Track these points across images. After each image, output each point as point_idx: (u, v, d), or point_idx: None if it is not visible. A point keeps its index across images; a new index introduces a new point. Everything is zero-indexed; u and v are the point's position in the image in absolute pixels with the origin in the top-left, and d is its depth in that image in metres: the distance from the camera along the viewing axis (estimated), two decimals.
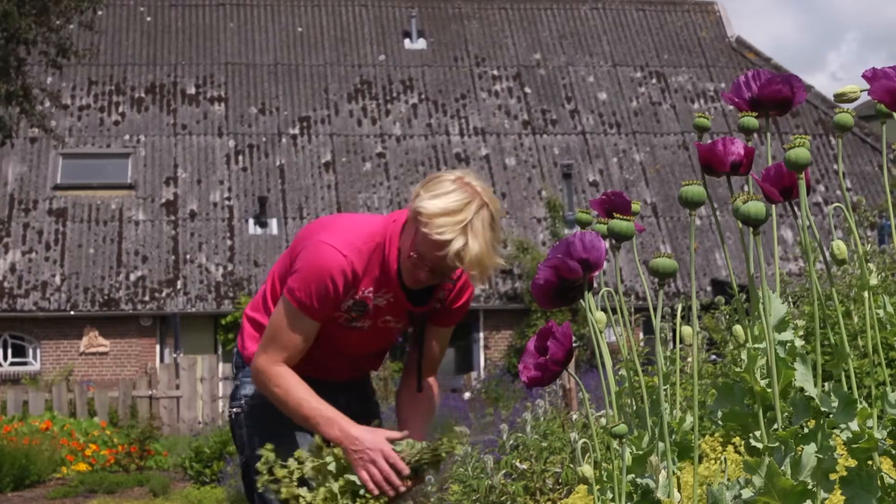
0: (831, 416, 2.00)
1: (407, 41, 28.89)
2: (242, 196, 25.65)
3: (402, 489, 3.27)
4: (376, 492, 3.24)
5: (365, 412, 3.59)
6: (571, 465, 6.45)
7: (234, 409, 3.53)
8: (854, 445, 1.98)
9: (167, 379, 19.14)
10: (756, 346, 2.06)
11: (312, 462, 3.29)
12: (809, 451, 2.00)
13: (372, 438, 3.27)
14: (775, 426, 2.02)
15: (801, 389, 2.02)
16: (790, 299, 6.99)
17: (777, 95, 2.09)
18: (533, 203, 25.96)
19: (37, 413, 17.24)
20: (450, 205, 3.21)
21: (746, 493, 2.05)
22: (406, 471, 3.27)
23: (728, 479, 2.16)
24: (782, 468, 1.98)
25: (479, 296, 24.42)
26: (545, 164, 26.71)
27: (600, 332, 2.17)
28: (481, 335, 24.75)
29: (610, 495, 2.11)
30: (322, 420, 3.28)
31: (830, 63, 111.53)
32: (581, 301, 2.17)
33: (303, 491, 3.25)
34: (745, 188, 2.13)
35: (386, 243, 3.32)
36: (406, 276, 3.33)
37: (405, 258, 3.29)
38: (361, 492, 3.26)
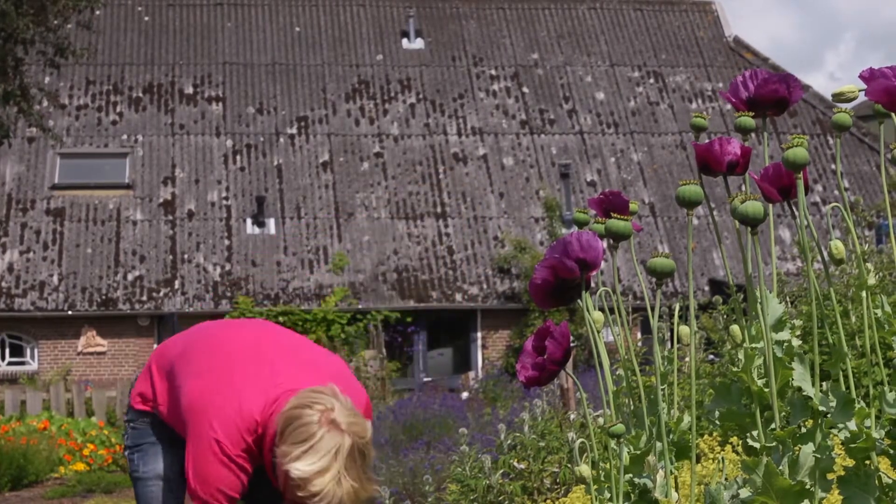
0: (829, 415, 2.00)
1: (405, 41, 28.89)
2: (240, 196, 25.65)
3: None
4: None
5: None
6: (569, 465, 6.46)
7: (125, 434, 3.83)
8: (852, 445, 1.98)
9: None
10: (754, 345, 2.06)
11: None
12: (807, 451, 2.00)
13: None
14: (773, 426, 2.02)
15: (799, 389, 2.02)
16: (788, 299, 6.99)
17: (774, 95, 2.09)
18: (531, 203, 25.96)
19: (34, 413, 17.23)
20: (319, 465, 3.13)
21: (744, 493, 2.05)
22: None
23: (726, 479, 2.16)
24: (780, 468, 1.98)
25: (477, 296, 24.43)
26: (543, 164, 26.72)
27: (598, 332, 2.17)
28: (479, 335, 24.76)
29: (608, 495, 2.11)
30: None
31: (828, 63, 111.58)
32: (579, 301, 2.17)
33: None
34: (743, 188, 2.13)
35: (265, 437, 3.32)
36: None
37: (281, 483, 3.25)
38: None
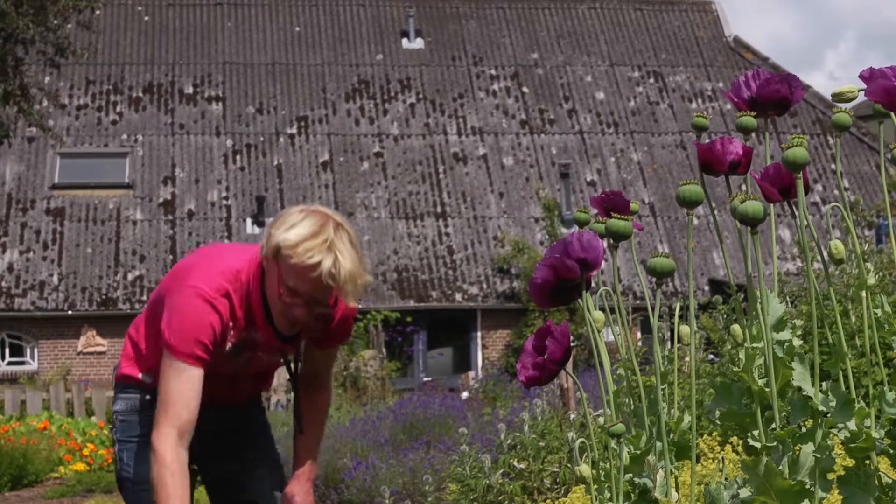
0: (829, 415, 2.00)
1: (405, 41, 28.89)
2: (240, 195, 25.65)
3: None
4: None
5: (237, 438, 3.73)
6: (569, 465, 6.46)
7: (111, 428, 3.61)
8: (852, 445, 1.98)
9: None
10: (754, 345, 2.06)
11: None
12: (807, 451, 2.00)
13: None
14: (773, 425, 2.02)
15: (799, 389, 2.02)
16: (788, 299, 6.99)
17: (776, 95, 2.09)
18: (530, 202, 25.96)
19: (34, 412, 17.22)
20: (308, 230, 3.19)
21: (744, 493, 2.05)
22: None
23: (726, 479, 2.16)
24: (780, 467, 1.98)
25: (477, 295, 24.44)
26: (543, 164, 26.72)
27: (598, 332, 2.17)
28: (479, 335, 24.76)
29: (608, 495, 2.11)
30: None
31: (828, 62, 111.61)
32: (579, 300, 2.17)
33: None
34: (743, 188, 2.13)
35: (250, 284, 3.34)
36: (280, 321, 3.35)
37: (275, 301, 3.30)
38: None
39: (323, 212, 3.26)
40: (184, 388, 3.27)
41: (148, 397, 3.53)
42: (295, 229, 3.19)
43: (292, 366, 3.58)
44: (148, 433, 3.41)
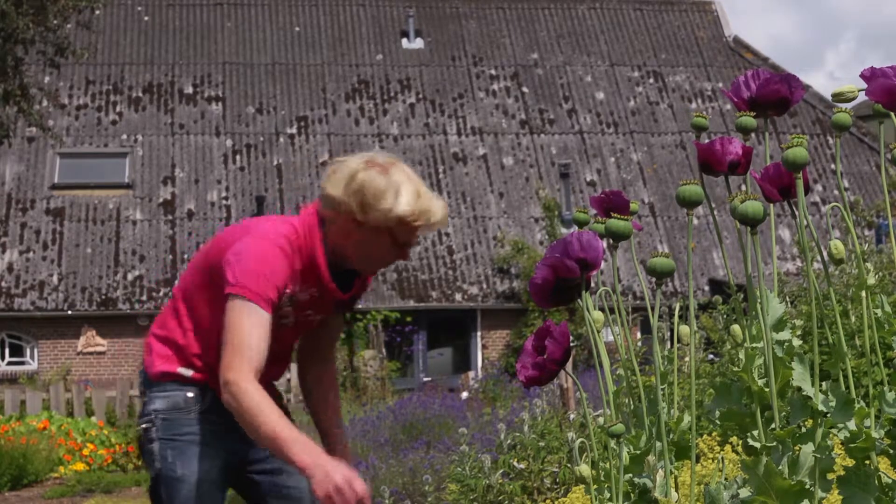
0: (829, 415, 2.00)
1: (404, 41, 28.89)
2: (240, 195, 25.65)
3: None
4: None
5: None
6: (569, 465, 6.46)
7: (144, 425, 3.51)
8: (852, 445, 1.98)
9: None
10: (754, 345, 2.06)
11: None
12: (807, 451, 2.00)
13: (339, 467, 3.16)
14: (773, 426, 2.02)
15: (799, 389, 2.02)
16: (788, 299, 6.99)
17: (776, 95, 2.09)
18: (530, 202, 25.96)
19: (34, 413, 17.22)
20: (410, 192, 3.32)
21: (744, 493, 2.05)
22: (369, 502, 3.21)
23: (726, 479, 2.16)
24: (780, 468, 1.98)
25: (476, 295, 24.44)
26: (542, 164, 26.72)
27: (598, 332, 2.17)
28: (479, 335, 24.76)
29: (607, 495, 2.11)
30: (292, 442, 3.16)
31: (828, 62, 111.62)
32: (579, 300, 2.17)
33: None
34: (743, 188, 2.13)
35: (306, 238, 3.40)
36: (369, 269, 3.45)
37: (367, 255, 3.39)
38: None
39: (384, 163, 3.39)
40: (255, 331, 3.24)
41: (190, 394, 3.47)
42: (401, 198, 3.30)
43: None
44: (195, 431, 3.42)
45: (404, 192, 3.31)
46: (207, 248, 3.51)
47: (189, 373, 3.48)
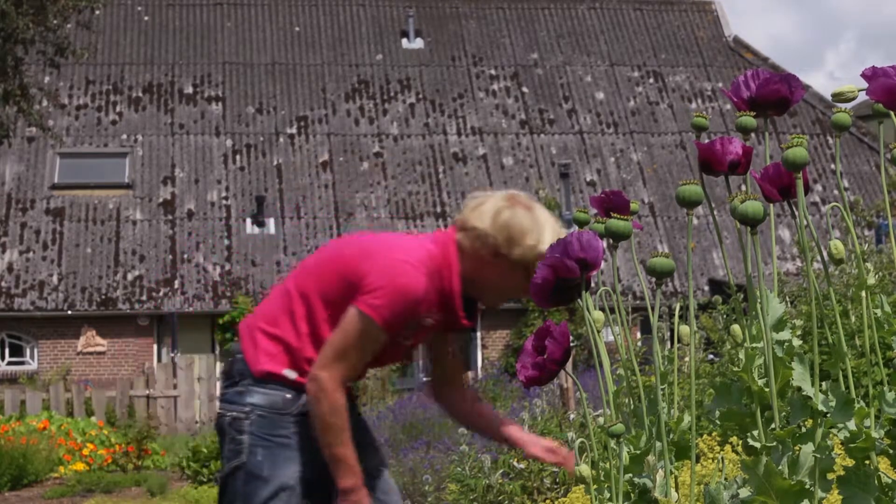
0: (829, 415, 2.00)
1: (404, 41, 28.89)
2: (240, 196, 25.65)
3: None
4: None
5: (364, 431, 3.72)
6: None
7: (234, 413, 3.50)
8: (851, 445, 1.98)
9: (164, 378, 19.14)
10: (754, 345, 2.06)
11: None
12: (807, 451, 2.00)
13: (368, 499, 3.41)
14: (773, 426, 2.02)
15: (799, 389, 2.02)
16: (788, 299, 6.99)
17: (775, 95, 2.09)
18: None
19: (34, 412, 17.22)
20: (551, 231, 3.46)
21: (744, 493, 2.05)
22: None
23: (725, 479, 2.16)
24: (780, 468, 1.98)
25: None
26: (542, 164, 26.72)
27: (598, 332, 2.17)
28: (478, 334, 24.75)
29: (607, 495, 2.11)
30: (348, 469, 3.38)
31: (828, 62, 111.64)
32: (578, 300, 2.17)
33: None
34: (743, 188, 2.13)
35: (444, 265, 3.45)
36: (496, 303, 3.57)
37: (499, 287, 3.50)
38: None
39: (530, 201, 3.52)
40: (365, 346, 3.36)
41: (288, 395, 3.48)
42: (545, 235, 3.43)
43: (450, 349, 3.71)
44: (287, 434, 3.45)
45: (548, 230, 3.44)
46: (337, 256, 3.53)
47: (294, 375, 3.49)
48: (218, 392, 3.79)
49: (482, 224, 3.44)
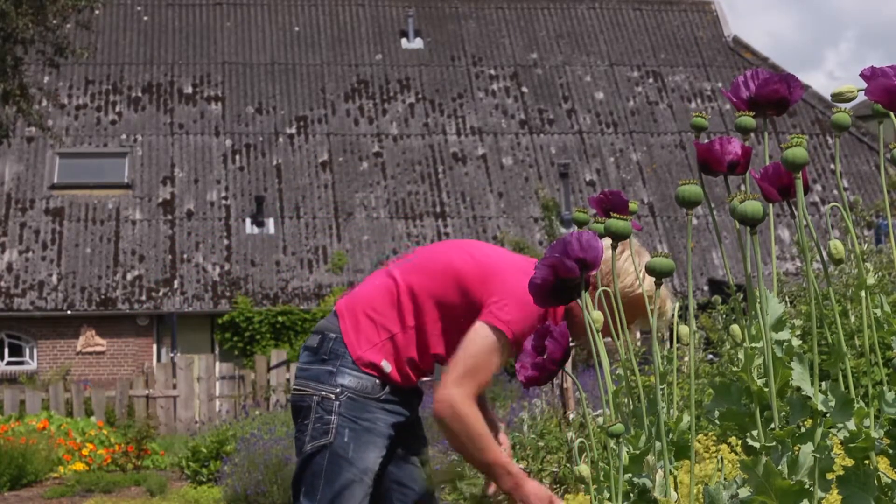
0: (828, 415, 2.00)
1: (404, 41, 28.89)
2: (239, 195, 25.65)
3: None
4: None
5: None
6: (568, 465, 6.45)
7: (325, 392, 3.49)
8: (851, 445, 1.98)
9: (164, 378, 19.14)
10: (753, 345, 2.06)
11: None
12: (806, 451, 2.00)
13: (541, 494, 3.40)
14: (772, 425, 2.02)
15: (798, 389, 2.02)
16: (787, 299, 6.99)
17: (775, 95, 2.09)
18: (530, 202, 25.96)
19: (33, 412, 17.22)
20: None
21: (743, 493, 2.05)
22: None
23: (725, 479, 2.16)
24: (779, 468, 1.98)
25: None
26: (542, 164, 26.72)
27: (597, 332, 2.17)
28: None
29: (607, 495, 2.11)
30: (502, 472, 3.40)
31: (828, 61, 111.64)
32: (578, 300, 2.17)
33: None
34: (742, 188, 2.13)
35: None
36: (578, 334, 3.48)
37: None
38: None
39: (638, 248, 3.47)
40: (495, 361, 3.37)
41: (378, 381, 3.50)
42: (643, 279, 3.44)
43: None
44: (373, 419, 3.47)
45: (647, 277, 3.48)
46: (447, 264, 3.54)
47: (389, 368, 3.51)
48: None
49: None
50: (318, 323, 3.65)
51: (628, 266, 3.43)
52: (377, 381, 3.51)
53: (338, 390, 3.49)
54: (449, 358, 3.46)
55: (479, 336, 3.37)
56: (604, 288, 3.30)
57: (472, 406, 3.37)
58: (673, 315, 3.31)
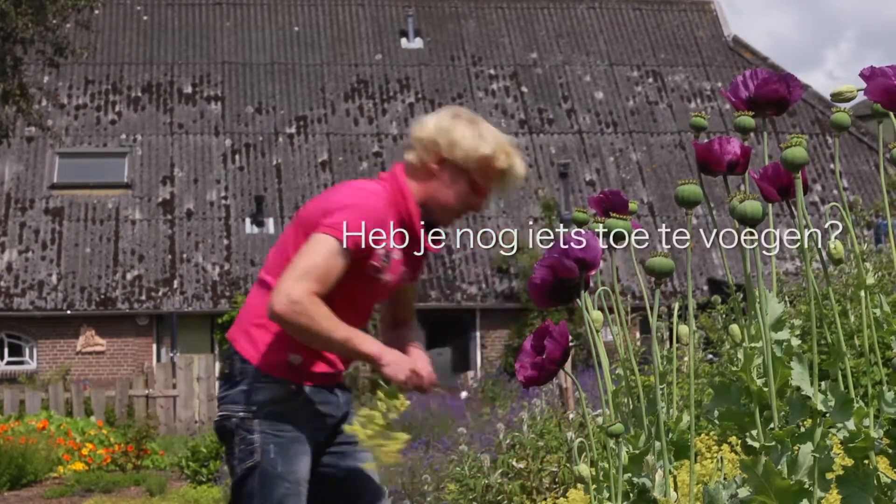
0: (828, 415, 2.00)
1: (404, 40, 28.89)
2: (239, 195, 25.65)
3: (432, 388, 3.45)
4: (408, 381, 3.38)
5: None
6: (568, 465, 6.45)
7: (242, 413, 3.48)
8: (851, 444, 1.98)
9: (164, 378, 19.14)
10: (753, 345, 2.06)
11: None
12: (806, 451, 2.00)
13: (402, 360, 3.41)
14: (772, 425, 2.02)
15: (798, 388, 2.02)
16: (787, 298, 6.99)
17: (774, 95, 2.09)
18: (529, 202, 25.96)
19: (33, 412, 17.22)
20: (495, 138, 3.57)
21: (743, 493, 2.05)
22: (435, 381, 3.47)
23: (724, 478, 2.16)
24: (779, 467, 1.98)
25: (475, 295, 24.43)
26: (542, 164, 26.71)
27: (597, 332, 2.17)
28: (478, 334, 24.75)
29: (606, 494, 2.11)
30: (360, 339, 3.37)
31: (828, 61, 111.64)
32: (578, 300, 2.17)
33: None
34: (742, 188, 2.13)
35: (396, 190, 3.53)
36: (446, 219, 3.68)
37: (450, 202, 3.62)
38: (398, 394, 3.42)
39: (470, 115, 3.64)
40: (330, 260, 3.35)
41: (293, 387, 3.48)
42: (487, 138, 3.56)
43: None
44: (300, 427, 3.46)
45: (489, 135, 3.56)
46: (292, 226, 3.56)
47: (298, 360, 3.49)
48: (217, 394, 3.73)
49: (425, 133, 3.59)
50: (225, 349, 3.65)
51: (465, 131, 3.53)
52: (291, 386, 3.48)
53: (255, 408, 3.47)
54: (346, 312, 3.43)
55: (310, 244, 3.37)
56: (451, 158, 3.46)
57: (313, 297, 3.30)
58: (524, 178, 3.43)
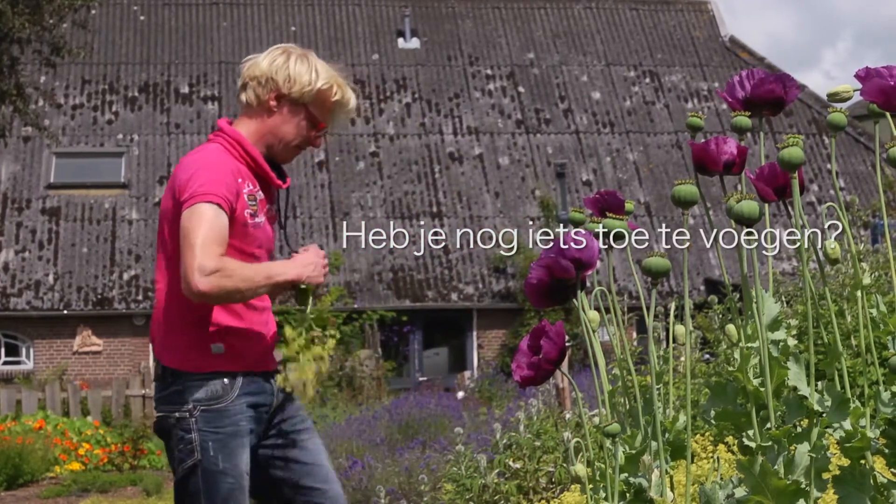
0: (824, 415, 2.00)
1: (400, 40, 28.89)
2: None
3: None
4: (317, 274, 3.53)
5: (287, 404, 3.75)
6: (565, 465, 6.46)
7: (178, 413, 3.49)
8: (847, 444, 1.98)
9: None
10: (749, 345, 2.06)
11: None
12: (802, 451, 2.00)
13: (306, 258, 3.56)
14: (768, 425, 2.02)
15: (795, 388, 2.02)
16: (783, 298, 6.99)
17: (770, 95, 2.09)
18: (526, 202, 25.96)
19: (30, 412, 17.21)
20: (325, 71, 3.70)
21: (739, 492, 2.05)
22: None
23: (721, 478, 2.16)
24: (775, 467, 1.98)
25: (472, 295, 24.44)
26: (539, 164, 26.72)
27: (593, 332, 2.17)
28: (474, 334, 24.75)
29: (603, 494, 2.11)
30: (276, 270, 3.48)
31: (825, 61, 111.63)
32: (574, 300, 2.17)
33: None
34: (739, 187, 2.13)
35: (232, 144, 3.59)
36: (287, 156, 3.70)
37: (290, 139, 3.66)
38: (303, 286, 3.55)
39: (302, 50, 3.73)
40: (214, 223, 3.36)
41: (226, 381, 3.49)
42: (321, 73, 3.68)
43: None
44: (237, 421, 3.48)
45: (322, 69, 3.67)
46: (160, 222, 3.60)
47: (221, 350, 3.50)
48: (154, 395, 3.74)
49: (261, 70, 3.67)
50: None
51: (299, 67, 3.64)
52: (225, 380, 3.50)
53: (190, 406, 3.48)
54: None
55: (187, 221, 3.37)
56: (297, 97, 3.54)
57: (221, 258, 3.34)
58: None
